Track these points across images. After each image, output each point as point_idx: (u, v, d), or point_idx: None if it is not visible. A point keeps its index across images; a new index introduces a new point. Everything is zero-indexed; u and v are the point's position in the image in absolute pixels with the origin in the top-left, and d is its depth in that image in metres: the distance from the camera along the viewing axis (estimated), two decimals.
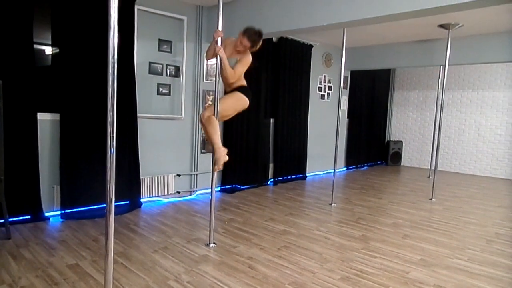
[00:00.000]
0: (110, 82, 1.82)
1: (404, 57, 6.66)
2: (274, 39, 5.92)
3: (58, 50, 3.81)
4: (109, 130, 1.84)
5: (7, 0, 3.32)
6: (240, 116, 5.35)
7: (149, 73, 4.53)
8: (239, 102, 3.25)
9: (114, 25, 1.82)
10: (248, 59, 3.19)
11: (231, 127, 5.30)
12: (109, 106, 1.84)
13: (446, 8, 2.93)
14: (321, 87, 7.12)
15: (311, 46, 6.56)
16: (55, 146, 3.84)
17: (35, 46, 3.60)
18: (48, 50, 3.96)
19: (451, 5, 2.85)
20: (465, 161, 7.95)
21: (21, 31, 3.43)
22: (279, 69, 6.05)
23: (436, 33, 5.62)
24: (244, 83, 3.30)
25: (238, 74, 3.19)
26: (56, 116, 3.81)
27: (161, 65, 4.63)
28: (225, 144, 5.32)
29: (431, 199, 5.38)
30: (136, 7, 4.22)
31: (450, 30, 5.12)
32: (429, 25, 5.16)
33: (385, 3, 3.21)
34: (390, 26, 5.21)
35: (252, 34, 3.09)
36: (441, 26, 5.10)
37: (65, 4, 3.69)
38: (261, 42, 3.19)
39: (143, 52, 4.43)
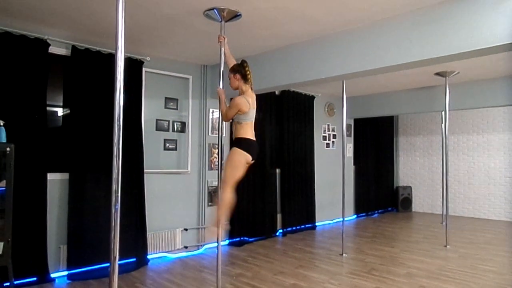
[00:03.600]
0: (115, 141, 1.91)
1: (405, 104, 6.80)
2: (276, 92, 6.12)
3: (69, 111, 3.99)
4: (114, 187, 1.89)
5: (24, 67, 3.56)
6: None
7: (156, 129, 4.67)
8: (236, 161, 3.00)
9: (120, 87, 1.94)
10: (234, 102, 2.98)
11: None
12: (114, 164, 1.90)
13: (437, 59, 3.06)
14: (326, 136, 7.22)
15: (313, 97, 6.75)
16: (63, 205, 3.88)
17: (48, 108, 3.77)
18: (60, 112, 4.14)
19: (442, 57, 2.99)
20: (478, 205, 7.76)
21: (36, 96, 3.63)
22: (282, 120, 6.20)
23: (434, 80, 5.78)
24: (244, 134, 3.04)
25: (225, 115, 3.07)
26: (65, 176, 3.89)
27: (167, 122, 4.78)
28: None
29: (446, 246, 5.21)
30: (143, 69, 4.46)
31: (447, 78, 5.27)
32: (426, 73, 5.32)
33: (378, 57, 3.36)
34: (389, 75, 5.38)
35: (235, 69, 3.09)
36: (437, 74, 5.26)
37: (77, 68, 3.92)
38: (246, 68, 3.07)
39: (150, 110, 4.60)
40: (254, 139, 3.11)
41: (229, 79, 3.12)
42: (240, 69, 3.07)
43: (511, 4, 2.60)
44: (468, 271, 4.06)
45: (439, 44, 2.97)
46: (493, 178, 7.58)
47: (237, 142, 3.05)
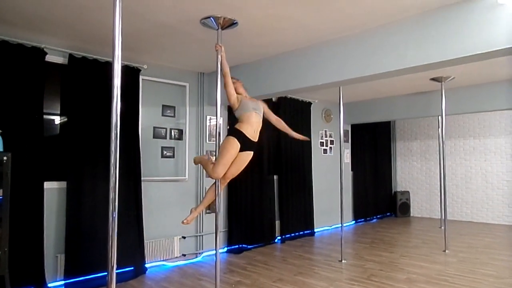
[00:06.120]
0: (112, 149, 1.90)
1: (402, 109, 6.83)
2: (273, 99, 6.13)
3: (66, 119, 3.98)
4: (111, 195, 1.88)
5: (21, 76, 3.55)
6: (244, 175, 5.40)
7: (154, 137, 4.67)
8: (227, 149, 3.16)
9: (117, 95, 1.94)
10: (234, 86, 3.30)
11: (234, 186, 5.31)
12: (112, 172, 1.90)
13: (434, 65, 3.09)
14: (323, 142, 7.23)
15: (310, 103, 6.77)
16: (61, 214, 3.85)
17: (45, 116, 3.76)
18: (57, 120, 4.14)
19: (438, 62, 3.01)
20: (476, 209, 7.77)
21: (33, 104, 3.62)
22: None
23: (430, 86, 5.81)
24: (240, 126, 3.27)
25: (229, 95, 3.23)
26: (63, 184, 3.87)
27: (165, 129, 4.78)
28: (229, 203, 5.35)
29: (445, 250, 5.20)
30: (141, 77, 4.47)
31: (442, 83, 5.30)
32: (422, 79, 5.35)
33: (374, 63, 3.38)
34: (385, 81, 5.39)
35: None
36: (433, 79, 5.29)
37: (74, 76, 3.92)
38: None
39: (148, 117, 4.60)
40: None
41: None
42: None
43: (508, 9, 2.63)
44: (467, 276, 4.06)
45: (435, 49, 2.99)
46: (490, 182, 7.60)
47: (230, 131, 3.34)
